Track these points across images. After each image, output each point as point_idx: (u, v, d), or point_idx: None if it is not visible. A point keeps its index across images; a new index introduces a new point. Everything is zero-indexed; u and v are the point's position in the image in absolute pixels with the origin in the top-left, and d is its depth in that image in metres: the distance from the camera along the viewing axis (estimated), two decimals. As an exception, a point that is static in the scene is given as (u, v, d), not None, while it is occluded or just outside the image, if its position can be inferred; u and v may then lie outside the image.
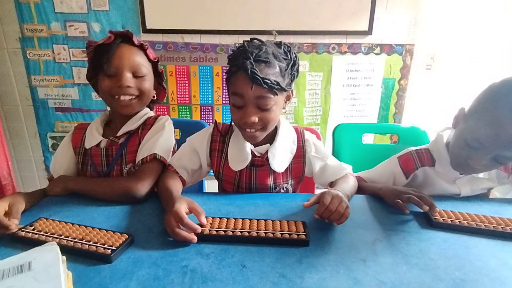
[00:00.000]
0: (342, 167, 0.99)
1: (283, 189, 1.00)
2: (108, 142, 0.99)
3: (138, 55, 0.96)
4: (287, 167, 0.97)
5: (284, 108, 0.91)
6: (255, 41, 0.85)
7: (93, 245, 0.64)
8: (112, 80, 0.93)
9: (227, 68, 0.87)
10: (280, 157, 0.95)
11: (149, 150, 0.94)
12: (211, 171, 1.04)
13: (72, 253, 0.61)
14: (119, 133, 0.99)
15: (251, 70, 0.77)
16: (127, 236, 0.68)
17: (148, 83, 0.99)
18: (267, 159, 0.94)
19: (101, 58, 0.92)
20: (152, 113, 1.07)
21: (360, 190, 0.99)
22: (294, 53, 0.87)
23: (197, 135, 1.01)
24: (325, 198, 0.73)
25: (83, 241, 0.65)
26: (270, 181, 0.97)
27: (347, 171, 0.98)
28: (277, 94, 0.83)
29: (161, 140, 0.97)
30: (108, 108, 1.04)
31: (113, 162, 0.98)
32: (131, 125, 1.00)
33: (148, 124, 1.02)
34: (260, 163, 0.95)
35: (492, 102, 0.82)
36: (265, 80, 0.78)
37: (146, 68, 0.97)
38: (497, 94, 0.82)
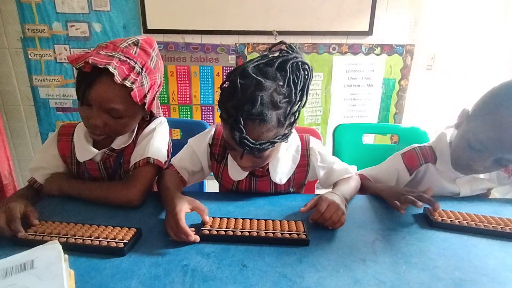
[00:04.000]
0: (348, 171, 0.97)
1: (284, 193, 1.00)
2: (104, 155, 0.93)
3: (118, 95, 0.80)
4: (290, 177, 0.94)
5: (286, 141, 0.82)
6: (251, 81, 0.69)
7: (104, 240, 0.64)
8: (86, 111, 0.82)
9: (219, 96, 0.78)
10: (282, 169, 0.91)
11: (141, 154, 0.90)
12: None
13: (81, 251, 0.63)
14: (116, 146, 0.92)
15: (240, 140, 0.69)
16: (135, 230, 0.69)
17: (127, 123, 0.87)
18: (268, 170, 0.91)
19: (80, 77, 0.81)
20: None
21: (364, 189, 0.99)
22: (306, 68, 0.75)
23: (198, 137, 0.98)
24: (321, 206, 0.73)
25: (92, 238, 0.65)
26: (270, 189, 0.96)
27: (352, 174, 0.97)
28: (273, 146, 0.76)
29: (153, 142, 0.92)
30: None
31: (113, 173, 0.95)
32: (123, 139, 0.93)
33: (141, 127, 0.96)
34: (261, 174, 0.93)
35: (494, 105, 0.82)
36: (257, 147, 0.71)
37: (125, 111, 0.83)
38: (500, 97, 0.81)
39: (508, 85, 0.82)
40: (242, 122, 0.68)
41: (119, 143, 0.93)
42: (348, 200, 0.86)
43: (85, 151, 0.91)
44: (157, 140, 0.94)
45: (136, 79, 0.81)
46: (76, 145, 0.93)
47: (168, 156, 1.00)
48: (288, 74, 0.72)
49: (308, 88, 0.76)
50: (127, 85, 0.79)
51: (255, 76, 0.69)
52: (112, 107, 0.81)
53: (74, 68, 1.93)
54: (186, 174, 0.95)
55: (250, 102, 0.68)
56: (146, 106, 0.86)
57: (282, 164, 0.91)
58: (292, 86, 0.72)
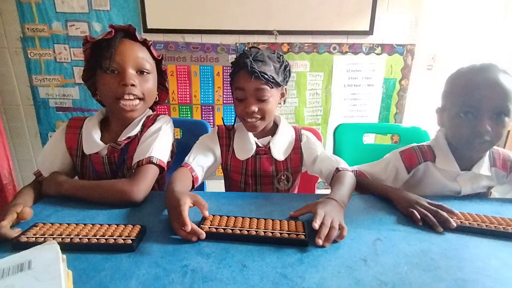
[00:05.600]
0: (333, 158, 1.01)
1: (283, 175, 1.06)
2: (109, 149, 0.95)
3: (141, 51, 0.93)
4: (287, 157, 1.05)
5: (279, 104, 1.03)
6: (253, 48, 0.98)
7: (111, 238, 0.65)
8: (114, 78, 0.88)
9: (230, 70, 0.99)
10: (280, 147, 1.05)
11: (145, 153, 0.91)
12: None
13: (88, 250, 0.63)
14: (120, 139, 0.95)
15: (250, 66, 0.90)
16: (140, 227, 0.69)
17: (152, 82, 0.96)
18: (269, 148, 1.03)
19: (100, 55, 0.88)
20: (150, 112, 1.04)
21: (364, 187, 0.99)
22: (286, 60, 1.01)
23: (207, 135, 1.10)
24: (319, 215, 0.70)
25: (98, 236, 0.65)
26: (272, 168, 1.05)
27: (341, 166, 0.97)
28: (272, 87, 0.94)
29: (157, 142, 0.94)
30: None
31: (117, 169, 0.96)
32: (132, 129, 0.96)
33: (146, 125, 0.99)
34: (263, 152, 1.04)
35: (460, 73, 0.93)
36: (262, 74, 0.90)
37: (150, 64, 0.94)
38: (462, 68, 0.94)
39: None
40: (252, 59, 0.91)
41: (127, 132, 0.96)
42: (347, 202, 0.83)
43: (93, 143, 0.94)
44: (162, 140, 0.96)
45: (151, 42, 0.96)
46: (84, 138, 0.96)
47: (172, 157, 1.03)
48: (276, 53, 1.00)
49: (290, 69, 1.01)
50: (147, 39, 0.94)
51: (255, 47, 1.00)
52: (140, 59, 0.91)
53: (73, 69, 1.93)
54: (200, 171, 0.97)
55: (254, 50, 0.95)
56: (162, 66, 1.01)
57: (281, 143, 1.05)
58: (280, 57, 0.99)
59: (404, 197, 0.86)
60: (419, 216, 0.78)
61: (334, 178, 0.95)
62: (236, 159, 1.04)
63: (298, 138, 1.08)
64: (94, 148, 0.94)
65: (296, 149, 1.07)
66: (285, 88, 1.02)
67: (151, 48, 0.95)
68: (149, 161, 0.89)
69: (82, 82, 0.99)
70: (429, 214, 0.78)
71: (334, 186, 0.90)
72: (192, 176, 0.93)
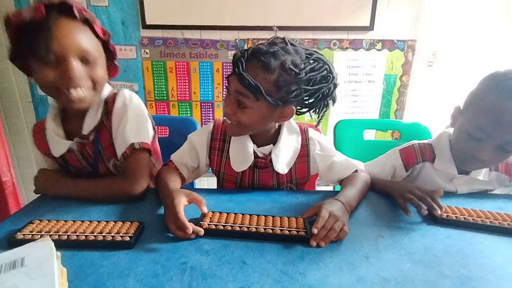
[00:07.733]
0: (350, 163, 0.95)
1: (286, 188, 0.98)
2: (78, 144, 0.88)
3: (83, 33, 0.74)
4: (291, 167, 0.93)
5: (277, 122, 0.87)
6: (285, 43, 0.78)
7: (108, 235, 0.64)
8: (53, 70, 0.72)
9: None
10: (284, 158, 0.91)
11: (124, 141, 0.84)
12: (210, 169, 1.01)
13: (85, 247, 0.62)
14: (84, 132, 0.86)
15: (237, 59, 0.75)
16: (138, 224, 0.68)
17: (101, 69, 0.80)
18: (270, 160, 0.90)
19: (31, 38, 0.69)
20: (106, 91, 0.89)
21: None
22: (329, 78, 0.79)
23: (197, 132, 0.98)
24: (323, 215, 0.68)
25: (95, 233, 0.64)
26: (273, 182, 0.95)
27: (357, 167, 0.94)
28: (257, 99, 0.76)
29: (130, 125, 0.85)
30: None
31: (95, 162, 0.91)
32: (93, 118, 0.86)
33: (109, 111, 0.87)
34: (263, 164, 0.92)
35: (489, 89, 0.83)
36: (244, 76, 0.72)
37: (96, 51, 0.77)
38: (494, 81, 0.82)
39: (497, 72, 0.83)
40: (250, 52, 0.74)
41: (88, 124, 0.86)
42: (354, 206, 0.80)
43: (58, 144, 0.88)
44: (133, 120, 0.87)
45: (93, 18, 0.76)
46: (49, 141, 0.89)
47: (155, 131, 0.98)
48: (312, 64, 0.78)
49: (323, 97, 0.81)
50: (88, 17, 0.74)
51: (286, 40, 0.78)
52: (84, 47, 0.73)
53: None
54: (186, 171, 0.93)
55: (271, 45, 0.76)
56: (110, 44, 0.83)
57: (284, 153, 0.91)
58: (309, 72, 0.77)
59: (397, 188, 0.86)
60: (404, 207, 0.79)
61: (346, 178, 0.92)
62: (231, 167, 0.92)
63: (305, 144, 0.94)
64: (61, 149, 0.87)
65: (303, 157, 0.94)
66: (290, 108, 0.81)
67: (95, 25, 0.76)
68: (132, 149, 0.84)
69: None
70: (415, 198, 0.78)
71: (344, 186, 0.87)
72: (179, 174, 0.91)
